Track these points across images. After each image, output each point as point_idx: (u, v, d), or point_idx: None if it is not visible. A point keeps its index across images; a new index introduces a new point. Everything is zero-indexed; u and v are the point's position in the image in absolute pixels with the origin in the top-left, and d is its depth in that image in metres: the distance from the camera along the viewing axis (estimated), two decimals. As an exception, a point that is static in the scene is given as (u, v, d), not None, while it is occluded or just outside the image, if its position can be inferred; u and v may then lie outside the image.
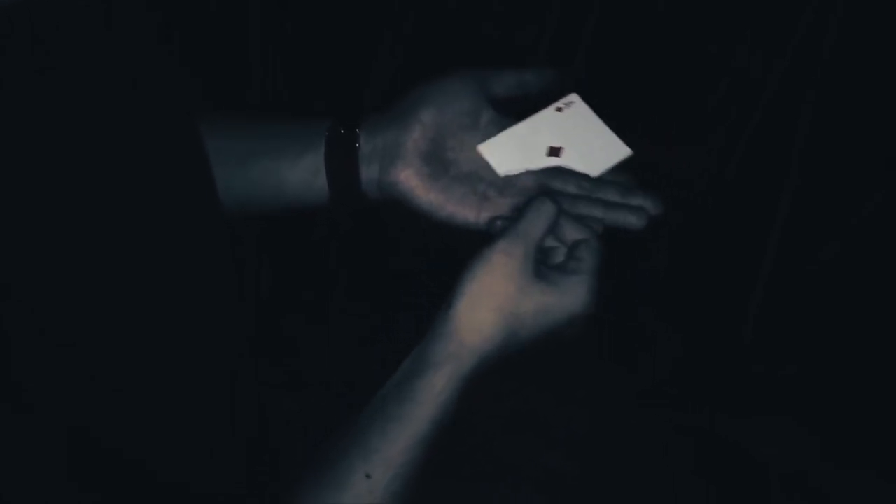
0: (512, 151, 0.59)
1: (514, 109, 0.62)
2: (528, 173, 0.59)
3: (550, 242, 0.58)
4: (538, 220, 0.54)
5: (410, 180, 0.58)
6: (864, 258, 1.71)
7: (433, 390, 0.52)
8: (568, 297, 0.54)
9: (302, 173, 0.60)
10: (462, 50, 1.63)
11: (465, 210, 0.60)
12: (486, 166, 0.60)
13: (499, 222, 0.58)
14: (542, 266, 0.56)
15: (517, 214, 0.56)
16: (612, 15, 1.64)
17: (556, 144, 0.60)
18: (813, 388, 1.63)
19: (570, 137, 0.60)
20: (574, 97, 0.61)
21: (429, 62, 1.58)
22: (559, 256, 0.58)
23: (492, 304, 0.53)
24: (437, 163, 0.59)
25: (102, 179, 0.45)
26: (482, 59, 1.79)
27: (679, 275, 1.79)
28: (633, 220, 0.58)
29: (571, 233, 0.57)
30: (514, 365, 0.54)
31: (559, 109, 0.61)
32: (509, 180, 0.59)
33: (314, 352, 1.66)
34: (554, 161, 0.60)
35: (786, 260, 1.71)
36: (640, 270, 1.77)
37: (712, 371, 1.67)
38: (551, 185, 0.59)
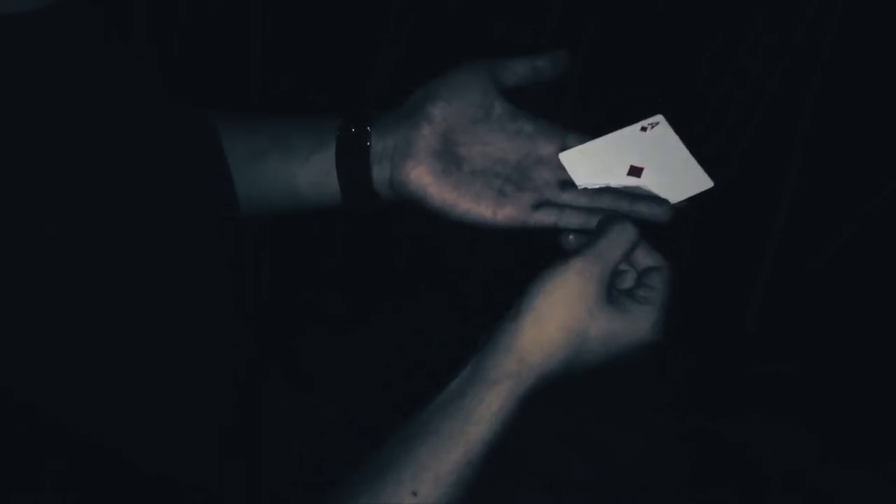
0: (592, 164, 0.58)
1: (528, 100, 0.60)
2: (549, 169, 0.58)
3: (621, 266, 0.55)
4: (619, 242, 0.52)
5: (423, 178, 0.56)
6: (864, 258, 1.71)
7: (489, 409, 0.50)
8: (636, 327, 0.52)
9: (313, 173, 0.58)
10: (462, 49, 1.63)
11: (480, 207, 0.57)
12: (501, 162, 0.58)
13: (571, 237, 0.55)
14: (613, 290, 0.53)
15: (596, 232, 0.53)
16: (612, 15, 1.64)
17: (637, 164, 0.59)
18: (812, 387, 1.63)
19: (653, 159, 0.58)
20: (659, 118, 0.59)
21: (429, 62, 1.58)
22: (628, 281, 0.55)
23: (560, 323, 0.51)
24: (450, 159, 0.56)
25: (109, 180, 0.45)
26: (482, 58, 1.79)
27: (681, 273, 1.78)
28: (659, 213, 0.55)
29: (644, 258, 0.55)
30: (567, 384, 0.53)
31: (643, 129, 0.60)
32: (526, 175, 0.57)
33: (313, 353, 1.66)
34: (633, 181, 0.58)
35: (786, 258, 1.71)
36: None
37: (713, 371, 1.67)
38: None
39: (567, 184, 0.57)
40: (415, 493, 0.48)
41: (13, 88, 0.42)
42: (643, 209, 0.56)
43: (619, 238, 0.53)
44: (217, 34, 1.53)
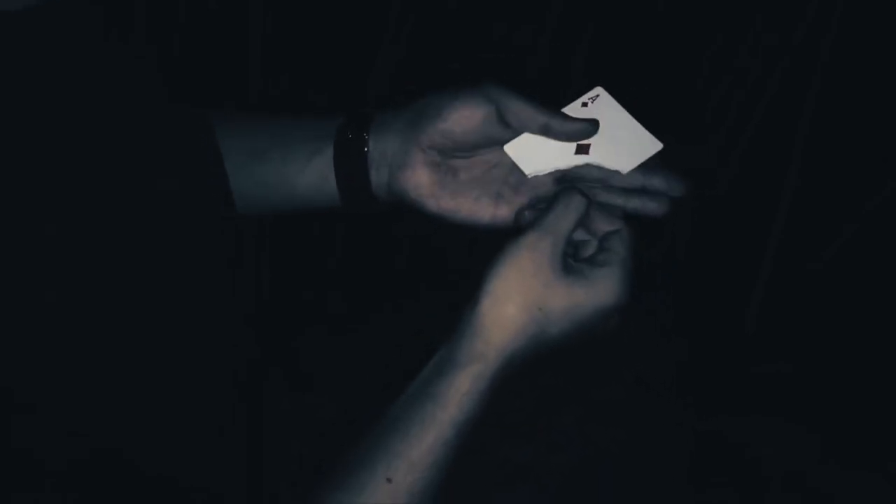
0: (538, 150, 0.58)
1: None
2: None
3: (580, 236, 0.55)
4: (567, 213, 0.53)
5: (420, 188, 0.57)
6: (864, 258, 1.71)
7: (458, 392, 0.50)
8: (598, 291, 0.51)
9: (312, 176, 0.59)
10: (462, 49, 1.63)
11: (479, 211, 0.57)
12: (498, 165, 0.58)
13: (526, 213, 0.56)
14: (572, 260, 0.54)
15: (546, 207, 0.54)
16: (612, 15, 1.64)
17: (583, 141, 0.58)
18: (812, 387, 1.63)
19: (599, 133, 0.58)
20: (599, 90, 0.59)
21: (429, 62, 1.58)
22: (590, 249, 0.55)
23: (518, 300, 0.51)
24: (447, 170, 0.58)
25: (108, 179, 0.45)
26: (482, 58, 1.79)
27: (682, 273, 1.79)
28: (653, 207, 0.55)
29: (602, 224, 0.55)
30: (544, 362, 0.53)
31: (584, 105, 0.59)
32: (522, 178, 0.58)
33: (313, 353, 1.66)
34: (582, 159, 0.58)
35: (786, 258, 1.71)
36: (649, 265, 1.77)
37: (713, 371, 1.67)
38: (567, 174, 0.57)
39: (565, 179, 0.58)
40: (389, 480, 0.49)
41: (11, 85, 0.42)
42: (636, 203, 0.56)
43: (567, 209, 0.53)
44: (217, 34, 1.53)
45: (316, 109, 1.59)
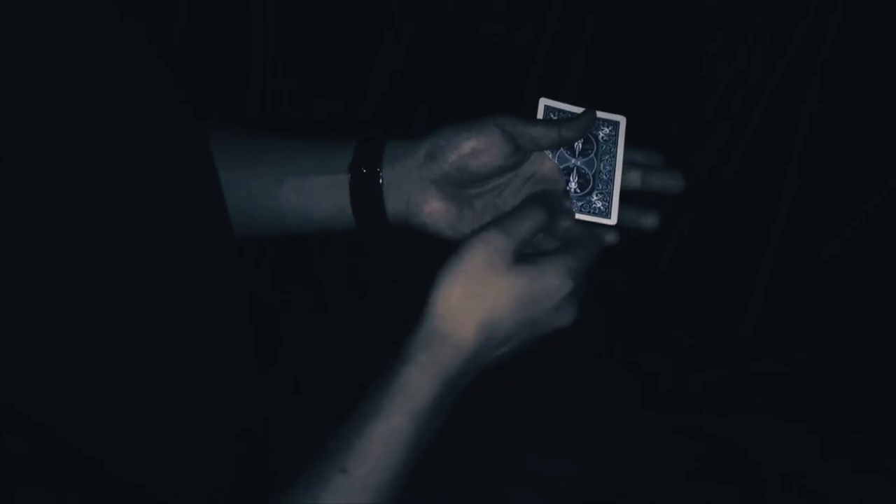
0: None
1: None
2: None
3: (549, 244, 0.56)
4: (525, 218, 0.54)
5: (438, 221, 0.58)
6: (864, 258, 1.71)
7: (408, 380, 0.51)
8: (545, 274, 0.52)
9: (326, 210, 0.60)
10: (461, 50, 1.63)
11: None
12: (509, 188, 0.60)
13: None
14: (529, 253, 0.55)
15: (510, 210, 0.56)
16: (611, 15, 1.64)
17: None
18: (812, 387, 1.63)
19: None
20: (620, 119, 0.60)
21: (429, 62, 1.58)
22: (549, 247, 0.57)
23: (466, 288, 0.52)
24: (462, 200, 0.59)
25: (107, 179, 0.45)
26: (482, 59, 1.79)
27: (682, 273, 1.79)
28: (673, 185, 0.58)
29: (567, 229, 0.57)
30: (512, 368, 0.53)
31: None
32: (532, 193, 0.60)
33: (314, 353, 1.66)
34: None
35: (786, 258, 1.71)
36: (647, 268, 1.77)
37: (713, 371, 1.67)
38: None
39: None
40: (344, 471, 0.49)
41: (10, 64, 0.42)
42: (656, 182, 0.58)
43: (526, 214, 0.53)
44: (218, 34, 1.53)
45: (316, 109, 1.59)
